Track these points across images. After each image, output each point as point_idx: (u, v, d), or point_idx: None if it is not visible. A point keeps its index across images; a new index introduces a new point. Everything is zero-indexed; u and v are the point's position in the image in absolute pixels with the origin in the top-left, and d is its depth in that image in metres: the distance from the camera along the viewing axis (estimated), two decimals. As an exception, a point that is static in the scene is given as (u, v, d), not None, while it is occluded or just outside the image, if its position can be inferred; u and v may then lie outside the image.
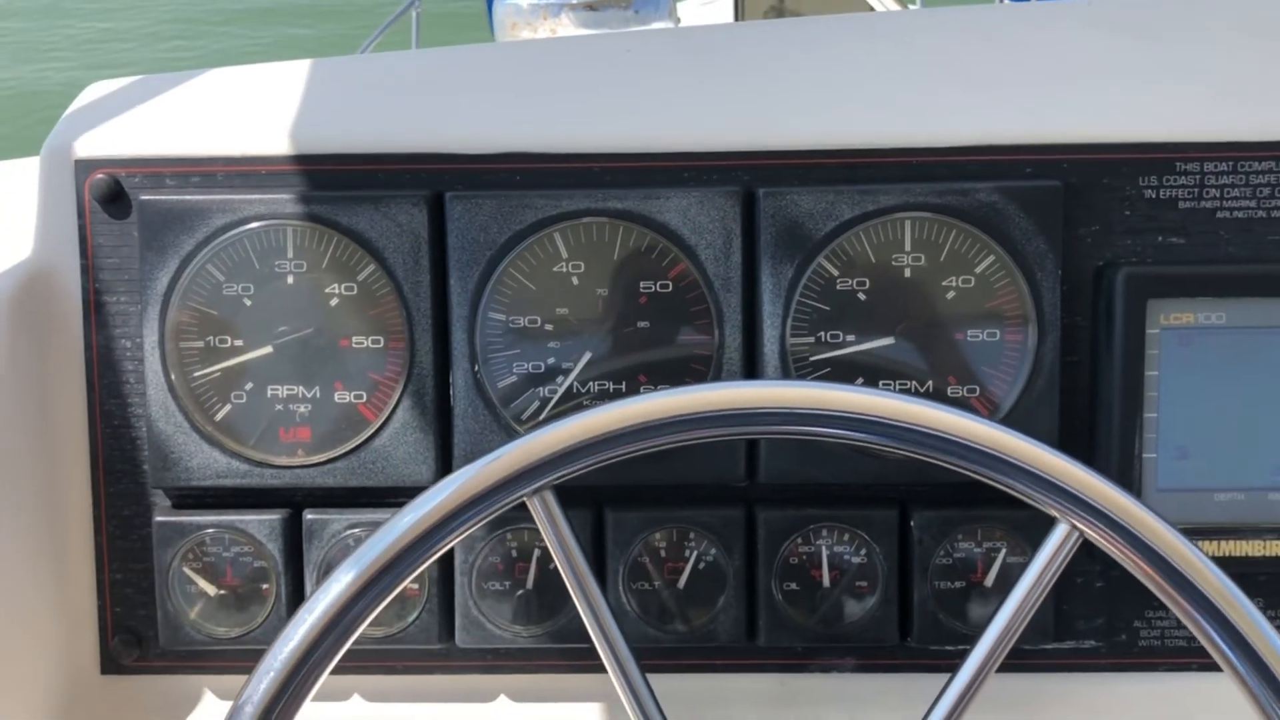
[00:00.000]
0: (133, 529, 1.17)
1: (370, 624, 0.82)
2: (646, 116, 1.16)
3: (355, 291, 1.12)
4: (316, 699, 0.77)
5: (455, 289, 1.11)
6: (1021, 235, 1.09)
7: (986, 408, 1.11)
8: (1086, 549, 0.80)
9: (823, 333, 1.11)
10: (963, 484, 0.85)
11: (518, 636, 1.14)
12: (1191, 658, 1.15)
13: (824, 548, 1.13)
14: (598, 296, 1.12)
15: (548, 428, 0.80)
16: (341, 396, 1.13)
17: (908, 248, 1.10)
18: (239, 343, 1.12)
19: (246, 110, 1.18)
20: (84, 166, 1.14)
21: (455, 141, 1.13)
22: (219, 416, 1.13)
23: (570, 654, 1.16)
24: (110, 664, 1.18)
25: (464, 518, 0.78)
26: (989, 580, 1.12)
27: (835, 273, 1.10)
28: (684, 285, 1.11)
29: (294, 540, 1.14)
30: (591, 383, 1.12)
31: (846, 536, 1.12)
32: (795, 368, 1.11)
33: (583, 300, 1.11)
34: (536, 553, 1.14)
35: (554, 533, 0.82)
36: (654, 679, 0.84)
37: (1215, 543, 1.09)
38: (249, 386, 1.13)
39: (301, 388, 1.12)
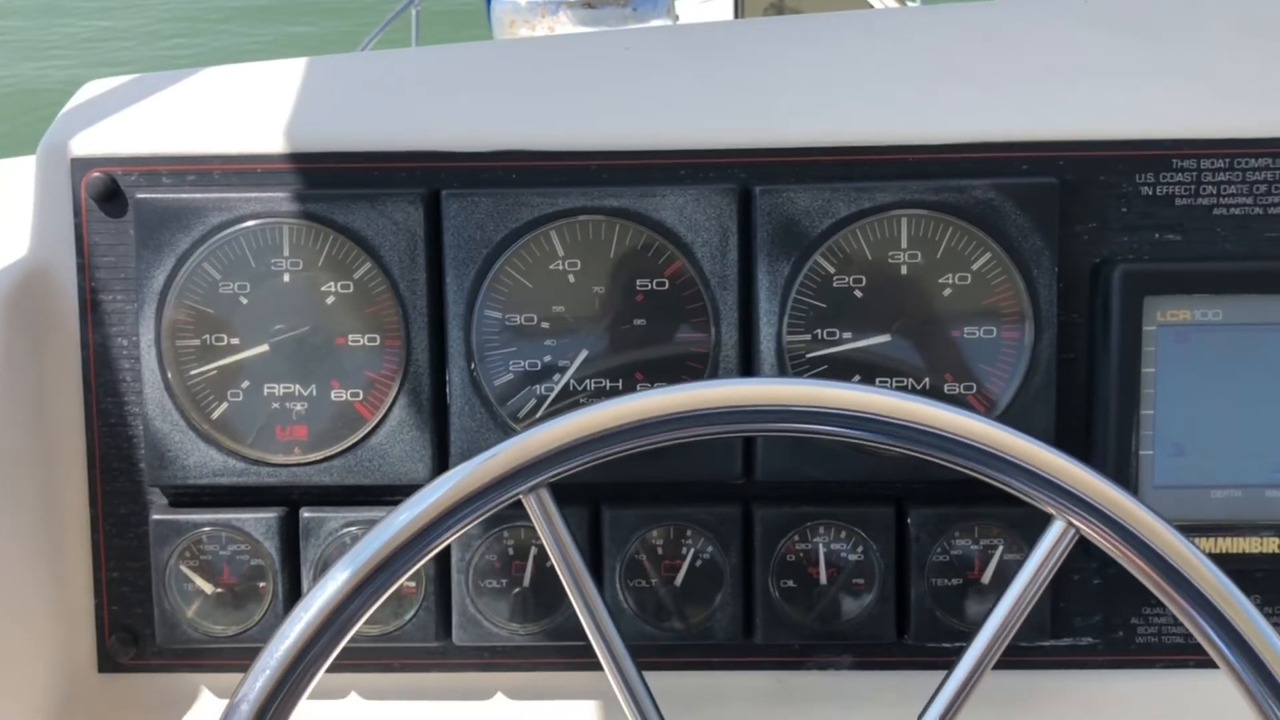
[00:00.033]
0: (129, 527, 1.17)
1: (367, 622, 0.82)
2: (643, 114, 1.15)
3: (351, 289, 1.12)
4: (313, 697, 0.77)
5: (451, 287, 1.11)
6: (1018, 232, 1.09)
7: (983, 405, 1.11)
8: (1083, 546, 0.80)
9: (819, 330, 1.11)
10: (959, 481, 0.85)
11: (514, 634, 1.14)
12: (1188, 655, 1.15)
13: (821, 545, 1.13)
14: (594, 294, 1.11)
15: (544, 425, 0.80)
16: (338, 394, 1.12)
17: (904, 245, 1.10)
18: (235, 341, 1.12)
19: (242, 108, 1.18)
20: (80, 165, 1.14)
21: (451, 139, 1.13)
22: (215, 415, 1.13)
23: (567, 652, 1.16)
24: (107, 662, 1.18)
25: (460, 515, 0.78)
26: (986, 577, 1.12)
27: (832, 270, 1.10)
28: (680, 283, 1.11)
29: (290, 538, 1.14)
30: (588, 380, 1.12)
31: (843, 534, 1.12)
32: (792, 365, 1.11)
33: (579, 298, 1.11)
34: (533, 550, 1.14)
35: (549, 530, 0.82)
36: (651, 677, 0.84)
37: (1212, 540, 1.09)
38: (245, 385, 1.12)
39: (298, 386, 1.12)
